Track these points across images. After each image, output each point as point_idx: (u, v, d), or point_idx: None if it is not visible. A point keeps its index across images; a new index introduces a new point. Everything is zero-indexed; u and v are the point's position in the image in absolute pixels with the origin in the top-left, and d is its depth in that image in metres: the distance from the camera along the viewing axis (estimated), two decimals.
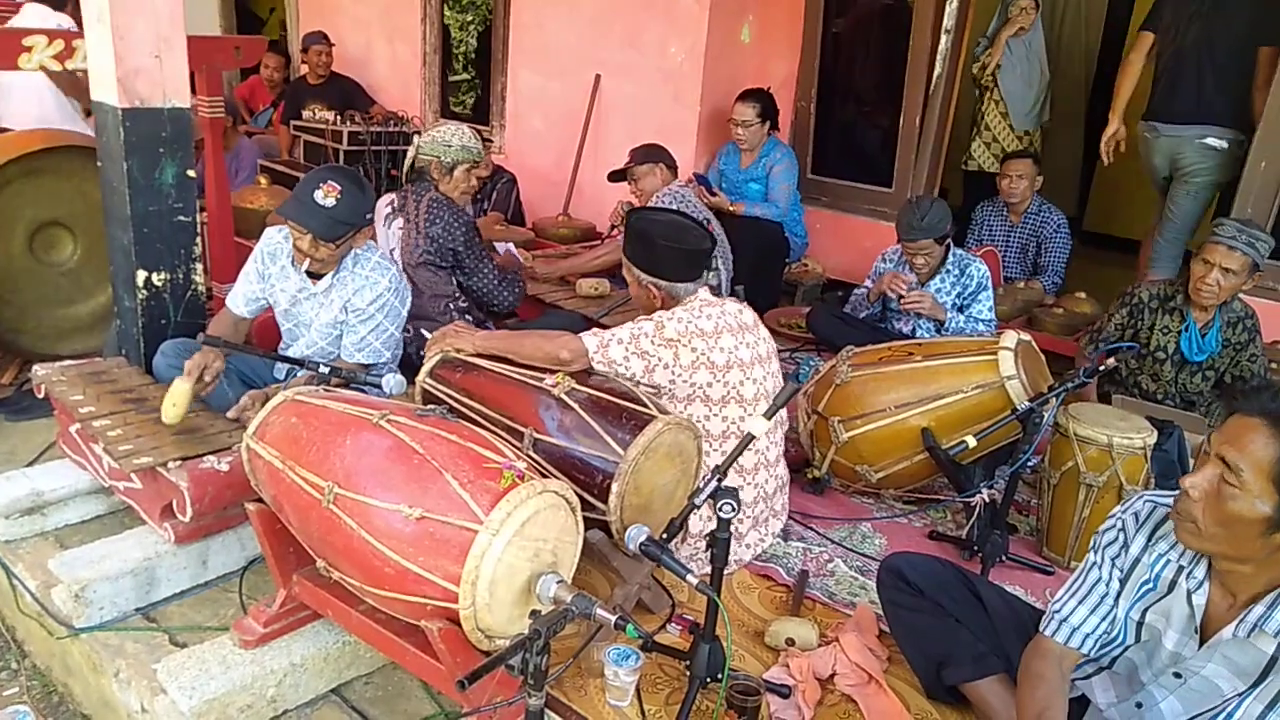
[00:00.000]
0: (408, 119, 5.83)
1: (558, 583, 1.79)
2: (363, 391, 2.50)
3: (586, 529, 2.04)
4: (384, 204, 3.61)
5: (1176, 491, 1.63)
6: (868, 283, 3.99)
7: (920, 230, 3.61)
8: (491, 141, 6.06)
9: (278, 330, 3.09)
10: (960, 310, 3.71)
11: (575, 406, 2.32)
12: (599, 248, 4.65)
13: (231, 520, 2.53)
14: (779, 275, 4.99)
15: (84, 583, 2.35)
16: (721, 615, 1.89)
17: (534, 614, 1.66)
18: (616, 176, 4.38)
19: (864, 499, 3.11)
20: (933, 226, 3.61)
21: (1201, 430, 3.03)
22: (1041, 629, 1.84)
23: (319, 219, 2.68)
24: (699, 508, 1.93)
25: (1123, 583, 1.75)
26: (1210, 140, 4.09)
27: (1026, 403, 2.66)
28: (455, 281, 3.52)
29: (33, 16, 3.97)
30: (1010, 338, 2.90)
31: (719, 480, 1.90)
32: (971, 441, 2.57)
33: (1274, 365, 3.57)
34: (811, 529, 2.88)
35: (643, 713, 2.05)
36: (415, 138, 3.62)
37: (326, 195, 2.67)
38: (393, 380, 2.53)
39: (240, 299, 2.99)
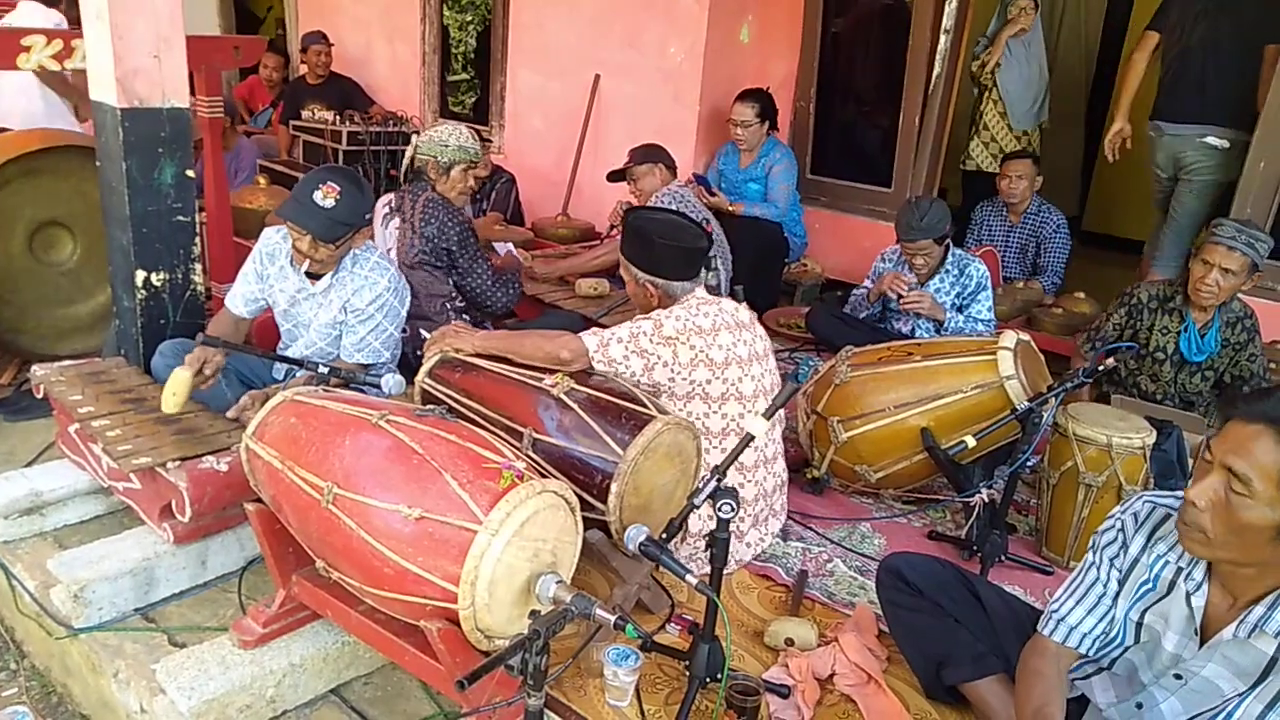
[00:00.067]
0: (407, 119, 5.82)
1: (557, 583, 1.79)
2: (362, 391, 2.50)
3: (586, 529, 2.04)
4: (382, 204, 3.61)
5: (1176, 492, 1.62)
6: (867, 283, 3.99)
7: (919, 230, 3.61)
8: (491, 141, 6.05)
9: (277, 330, 3.09)
10: (959, 310, 3.71)
11: (574, 406, 2.32)
12: (598, 248, 4.65)
13: (231, 520, 2.52)
14: (778, 275, 4.99)
15: (83, 583, 2.34)
16: (721, 615, 1.89)
17: (533, 614, 1.66)
18: (616, 176, 4.37)
19: (863, 499, 3.11)
20: (932, 227, 3.61)
21: (1201, 430, 3.03)
22: (1039, 628, 1.84)
23: (318, 220, 2.68)
24: (698, 508, 1.93)
25: (1121, 583, 1.74)
26: (1211, 140, 4.09)
27: (1026, 403, 2.66)
28: (451, 282, 3.52)
29: (27, 13, 3.97)
30: (1009, 338, 2.90)
31: (718, 480, 1.90)
32: (971, 441, 2.57)
33: (1273, 365, 3.56)
34: (811, 529, 2.88)
35: (642, 713, 2.05)
36: (414, 137, 3.62)
37: (325, 196, 2.67)
38: (392, 380, 2.53)
39: (239, 299, 2.98)
